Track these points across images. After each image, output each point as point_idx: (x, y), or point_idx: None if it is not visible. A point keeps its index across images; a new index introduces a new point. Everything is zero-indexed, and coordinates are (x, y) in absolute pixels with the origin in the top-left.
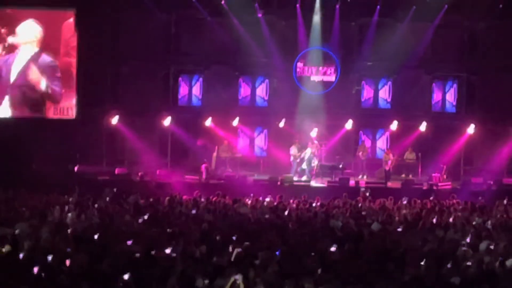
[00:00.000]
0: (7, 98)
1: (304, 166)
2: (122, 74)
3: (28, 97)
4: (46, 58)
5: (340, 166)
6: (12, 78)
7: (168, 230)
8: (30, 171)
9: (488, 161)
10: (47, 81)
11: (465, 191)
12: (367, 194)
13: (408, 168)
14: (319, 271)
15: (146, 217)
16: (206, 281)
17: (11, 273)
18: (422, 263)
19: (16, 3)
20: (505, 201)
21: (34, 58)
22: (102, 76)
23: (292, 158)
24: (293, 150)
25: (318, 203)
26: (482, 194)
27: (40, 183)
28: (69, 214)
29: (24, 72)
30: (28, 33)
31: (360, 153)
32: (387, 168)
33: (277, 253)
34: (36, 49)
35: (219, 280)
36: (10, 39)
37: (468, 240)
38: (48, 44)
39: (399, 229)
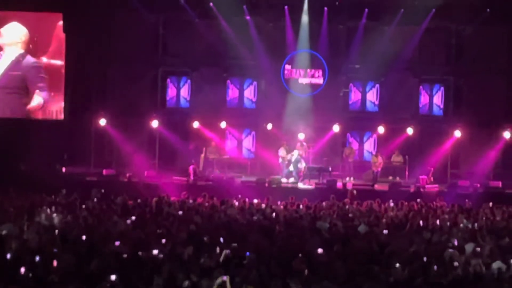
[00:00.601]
0: None
1: (291, 168)
2: (110, 75)
3: (12, 98)
4: (30, 59)
5: (330, 168)
6: None
7: (155, 231)
8: (18, 171)
9: (475, 164)
10: (31, 81)
11: (452, 194)
12: (354, 192)
13: (395, 170)
14: (306, 272)
15: (133, 218)
16: (193, 282)
17: None
18: (409, 265)
19: (3, 5)
20: (490, 204)
21: (18, 60)
22: (90, 78)
23: (280, 160)
24: (282, 152)
25: (306, 205)
26: (469, 197)
27: (28, 184)
28: (56, 215)
29: (7, 74)
30: (13, 34)
31: (347, 155)
32: (375, 171)
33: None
34: (21, 50)
35: (206, 281)
36: None
37: (455, 242)
38: (34, 46)
39: (386, 231)
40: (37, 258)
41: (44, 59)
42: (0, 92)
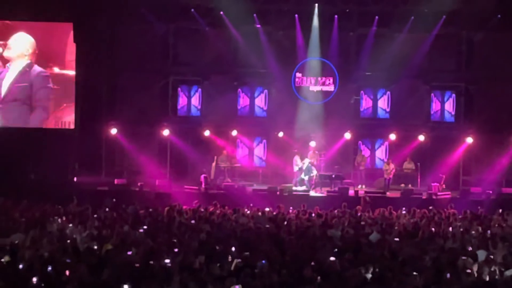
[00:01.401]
0: None
1: (303, 176)
2: (121, 84)
3: (22, 110)
4: (36, 68)
5: (343, 176)
6: (3, 93)
7: (167, 240)
8: (29, 181)
9: (487, 170)
10: (36, 91)
11: (464, 201)
12: (367, 199)
13: (407, 178)
14: (318, 280)
15: (145, 227)
16: None
17: (11, 283)
18: (422, 272)
19: (13, 15)
20: (500, 210)
21: (25, 70)
22: (101, 87)
23: (296, 168)
24: (297, 160)
25: (317, 213)
26: (481, 204)
27: (39, 194)
28: (68, 225)
29: (14, 86)
30: (20, 46)
31: (359, 163)
32: (387, 178)
33: (276, 263)
34: (27, 61)
35: None
36: (4, 52)
37: (467, 249)
38: (43, 56)
39: (398, 239)
40: (49, 268)
41: (56, 69)
42: (11, 105)
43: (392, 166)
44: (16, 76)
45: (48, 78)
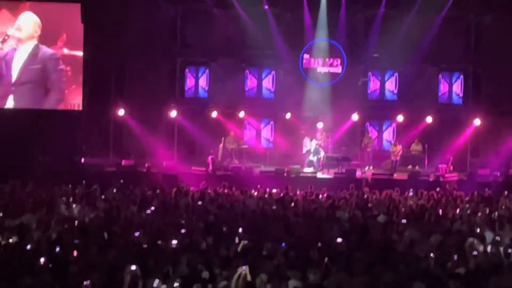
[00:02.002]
0: (11, 97)
1: (311, 157)
2: (128, 66)
3: (33, 92)
4: (47, 50)
5: (350, 158)
6: (15, 75)
7: (174, 221)
8: (36, 162)
9: (495, 152)
10: (49, 73)
11: (472, 183)
12: (369, 180)
13: (414, 159)
14: (325, 262)
15: (153, 208)
16: (212, 272)
17: (18, 263)
18: (429, 254)
19: None
20: (507, 192)
21: (35, 52)
22: (108, 68)
23: (305, 150)
24: (307, 142)
25: (325, 195)
26: (489, 186)
27: (46, 175)
28: (76, 206)
29: (26, 69)
30: (30, 27)
31: (366, 145)
32: (394, 160)
33: (283, 244)
34: (35, 42)
35: (225, 271)
36: (10, 32)
37: (474, 231)
38: (51, 37)
39: (405, 221)
40: (57, 249)
41: (66, 50)
42: (24, 87)
43: (399, 147)
44: (27, 58)
45: (59, 59)
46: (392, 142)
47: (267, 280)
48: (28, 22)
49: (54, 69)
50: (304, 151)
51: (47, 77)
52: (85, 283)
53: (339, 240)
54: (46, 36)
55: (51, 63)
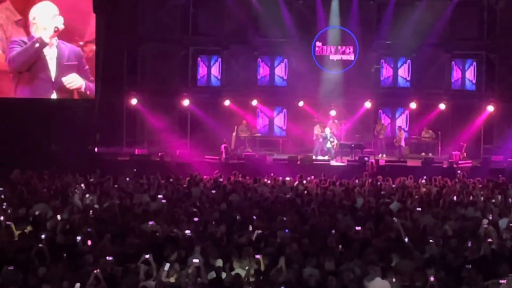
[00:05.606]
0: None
1: (328, 145)
2: (141, 54)
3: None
4: (73, 49)
5: (364, 145)
6: (54, 75)
7: (188, 210)
8: (51, 152)
9: (508, 139)
10: (80, 75)
11: (485, 169)
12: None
13: (428, 146)
14: (340, 249)
15: (166, 196)
16: (226, 260)
17: (33, 252)
18: (443, 241)
19: None
20: None
21: (63, 52)
22: (121, 57)
23: (315, 137)
24: (317, 129)
25: (338, 182)
26: (502, 172)
27: (60, 164)
28: (90, 195)
29: (61, 66)
30: (46, 20)
31: (378, 132)
32: (397, 146)
33: (286, 231)
34: (54, 34)
35: (239, 259)
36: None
37: (489, 218)
38: (66, 28)
39: (419, 208)
40: (72, 238)
41: (80, 43)
42: (60, 88)
43: (403, 134)
44: (59, 58)
45: (80, 50)
46: (405, 129)
47: (282, 269)
48: (42, 14)
49: (80, 59)
50: (320, 139)
51: (79, 68)
52: (98, 271)
53: (357, 228)
54: (67, 31)
55: (76, 54)
